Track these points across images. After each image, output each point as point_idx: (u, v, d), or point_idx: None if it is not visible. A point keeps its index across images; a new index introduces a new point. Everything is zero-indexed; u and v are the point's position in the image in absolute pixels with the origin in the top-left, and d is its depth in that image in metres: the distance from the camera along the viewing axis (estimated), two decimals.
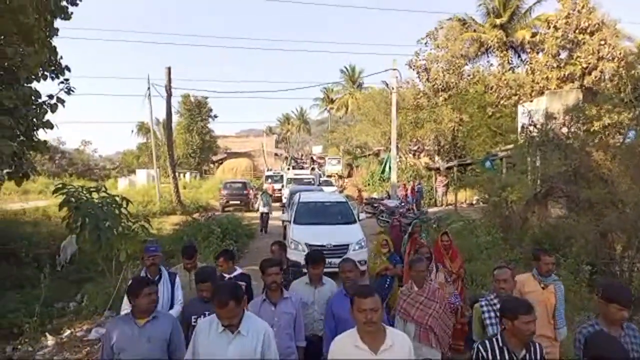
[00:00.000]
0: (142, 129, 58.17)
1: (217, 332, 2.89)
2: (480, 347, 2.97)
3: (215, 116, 47.00)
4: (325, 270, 8.64)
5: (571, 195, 8.08)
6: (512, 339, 2.88)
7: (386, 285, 5.86)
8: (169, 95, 21.00)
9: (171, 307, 4.41)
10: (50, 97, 6.96)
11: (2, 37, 6.42)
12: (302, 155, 59.79)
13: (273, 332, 3.08)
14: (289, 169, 38.98)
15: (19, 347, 7.52)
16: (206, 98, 44.83)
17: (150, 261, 4.52)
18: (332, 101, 64.95)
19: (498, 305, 3.49)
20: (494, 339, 2.97)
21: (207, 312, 3.62)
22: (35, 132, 7.12)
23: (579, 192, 7.62)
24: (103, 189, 7.52)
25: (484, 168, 14.62)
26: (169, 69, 20.82)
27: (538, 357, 2.91)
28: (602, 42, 22.76)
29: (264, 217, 16.47)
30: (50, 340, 6.25)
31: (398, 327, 3.97)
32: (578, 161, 7.97)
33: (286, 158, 49.95)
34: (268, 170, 36.81)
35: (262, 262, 4.03)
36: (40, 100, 6.94)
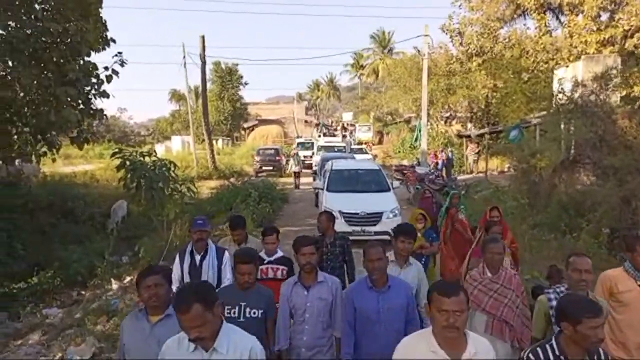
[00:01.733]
0: (175, 96, 59.45)
1: (189, 351, 2.27)
2: (531, 356, 2.46)
3: (246, 83, 47.57)
4: (359, 237, 8.77)
5: (597, 162, 8.29)
6: (572, 347, 2.38)
7: (421, 264, 5.49)
8: (204, 64, 21.59)
9: (218, 286, 3.90)
10: (106, 68, 7.63)
11: (64, 15, 7.04)
12: (332, 122, 59.61)
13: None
14: (319, 136, 38.29)
15: (82, 292, 8.61)
16: (237, 65, 45.29)
17: (198, 236, 4.14)
18: (362, 67, 64.19)
19: None
20: (547, 346, 2.47)
21: (243, 304, 3.25)
22: (93, 101, 7.83)
23: (603, 158, 7.84)
24: (154, 153, 8.27)
25: (509, 140, 14.68)
26: (203, 37, 21.31)
27: None
28: None
29: (297, 175, 19.92)
30: (114, 285, 7.13)
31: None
32: (603, 128, 8.13)
33: (317, 125, 49.46)
34: (298, 137, 37.33)
35: (296, 240, 3.54)
36: (97, 72, 7.61)
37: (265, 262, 4.12)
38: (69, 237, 10.98)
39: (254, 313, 3.26)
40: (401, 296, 3.23)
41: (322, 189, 10.90)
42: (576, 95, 9.00)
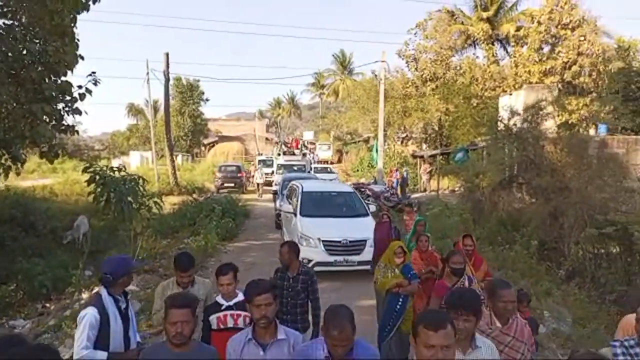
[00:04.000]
0: (133, 110, 58.66)
1: None
2: None
3: (207, 99, 47.67)
4: (341, 268, 8.60)
5: (529, 182, 9.40)
6: None
7: (397, 306, 4.82)
8: (167, 80, 21.89)
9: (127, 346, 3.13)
10: (80, 87, 7.99)
11: (43, 37, 7.43)
12: (292, 140, 60.15)
13: None
14: (279, 154, 36.19)
15: (47, 305, 8.77)
16: (198, 81, 45.41)
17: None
18: (322, 87, 65.72)
19: None
20: None
21: None
22: (65, 117, 8.16)
23: (533, 179, 8.94)
24: (123, 168, 8.65)
25: (454, 161, 15.91)
26: (167, 54, 21.68)
27: None
28: (582, 38, 24.00)
29: (259, 186, 22.92)
30: (84, 294, 7.41)
31: None
32: (533, 153, 9.27)
33: (277, 143, 49.13)
34: (259, 154, 37.77)
35: (248, 287, 2.82)
36: (72, 90, 7.97)
37: (223, 307, 3.35)
38: (30, 251, 11.05)
39: None
40: None
41: (293, 213, 9.86)
42: (511, 122, 10.18)
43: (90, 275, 9.65)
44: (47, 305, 8.85)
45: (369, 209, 10.27)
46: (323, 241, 8.64)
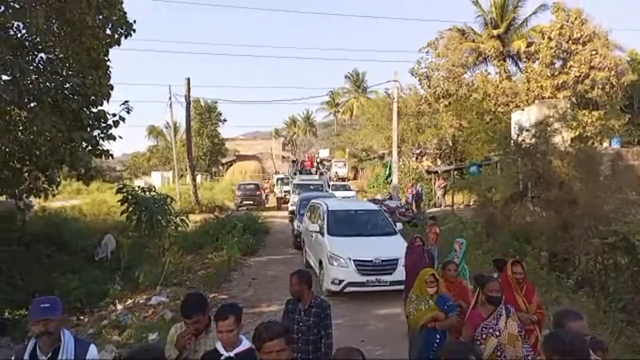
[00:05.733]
0: (153, 132, 60.27)
1: None
2: None
3: (225, 120, 48.84)
4: (373, 289, 8.53)
5: (539, 196, 9.73)
6: None
7: (435, 344, 4.22)
8: (188, 104, 22.80)
9: None
10: (114, 115, 8.72)
11: (80, 70, 8.19)
12: (307, 158, 60.14)
13: None
14: (295, 174, 34.58)
15: (81, 317, 9.34)
16: (215, 102, 46.63)
17: (41, 327, 2.69)
18: (337, 105, 66.67)
19: None
20: None
21: None
22: (101, 143, 8.87)
23: (541, 193, 9.27)
24: (153, 188, 9.30)
25: (469, 174, 16.25)
26: (189, 79, 22.66)
27: None
28: (594, 52, 24.21)
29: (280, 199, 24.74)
30: (119, 306, 7.97)
31: None
32: (541, 167, 9.62)
33: (293, 162, 46.75)
34: (277, 173, 38.46)
35: (257, 331, 2.51)
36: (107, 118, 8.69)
37: (223, 359, 2.79)
38: (64, 267, 11.72)
39: None
40: None
41: (319, 232, 9.72)
42: (520, 138, 10.57)
43: (119, 289, 10.30)
44: (82, 317, 9.45)
45: (396, 226, 10.10)
46: (354, 261, 8.41)
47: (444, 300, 4.36)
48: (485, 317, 3.60)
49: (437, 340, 4.20)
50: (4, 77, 7.81)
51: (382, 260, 8.40)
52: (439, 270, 5.37)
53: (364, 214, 10.69)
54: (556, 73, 25.61)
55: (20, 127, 8.17)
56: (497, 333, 3.42)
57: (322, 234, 9.54)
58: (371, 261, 8.39)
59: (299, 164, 42.87)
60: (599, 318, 6.61)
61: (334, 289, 8.45)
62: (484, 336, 3.46)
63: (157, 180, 37.67)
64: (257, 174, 46.68)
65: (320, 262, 9.18)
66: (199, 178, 41.67)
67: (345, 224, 9.88)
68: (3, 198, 11.24)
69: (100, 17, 8.57)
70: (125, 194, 8.68)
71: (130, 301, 8.37)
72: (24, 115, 8.00)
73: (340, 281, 8.38)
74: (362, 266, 8.42)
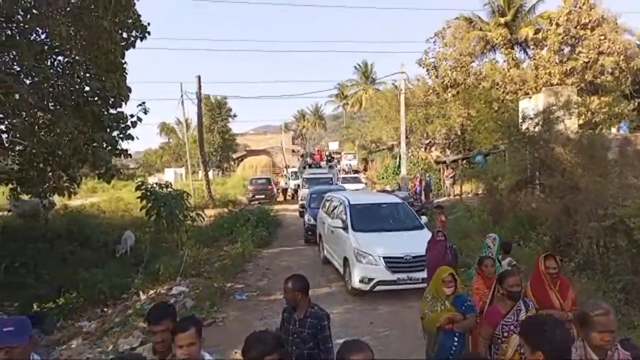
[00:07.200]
0: (165, 129, 61.00)
1: None
2: None
3: (235, 115, 49.34)
4: (404, 287, 7.97)
5: (543, 183, 9.99)
6: None
7: (453, 347, 3.97)
8: (199, 101, 23.26)
9: None
10: (132, 116, 9.17)
11: (98, 73, 8.63)
12: (316, 151, 60.05)
13: None
14: (304, 167, 33.52)
15: (105, 309, 9.85)
16: (225, 98, 47.12)
17: (2, 356, 2.28)
18: (345, 97, 66.76)
19: None
20: None
21: None
22: (120, 143, 9.33)
23: (544, 180, 9.52)
24: (170, 184, 9.76)
25: (475, 163, 16.48)
26: (199, 77, 23.10)
27: None
28: (602, 37, 24.08)
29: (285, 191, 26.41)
30: (143, 296, 8.46)
31: None
32: (544, 154, 9.86)
33: (302, 156, 46.88)
34: (286, 167, 38.85)
35: (247, 343, 2.25)
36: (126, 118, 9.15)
37: None
38: (87, 262, 12.29)
39: None
40: None
41: (342, 228, 9.26)
42: (524, 126, 10.79)
43: (141, 281, 10.82)
44: (105, 309, 9.98)
45: (421, 220, 9.64)
46: (384, 258, 7.98)
47: (462, 299, 4.06)
48: (504, 314, 3.50)
49: (455, 343, 3.94)
50: (28, 82, 8.31)
51: (413, 257, 7.86)
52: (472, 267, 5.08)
53: (387, 207, 10.21)
54: (564, 59, 25.53)
55: (44, 129, 8.64)
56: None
57: (346, 230, 9.08)
58: (402, 258, 7.95)
59: (307, 157, 42.75)
60: (598, 298, 6.91)
61: (363, 288, 8.03)
62: (505, 334, 3.32)
63: (170, 176, 38.24)
64: (267, 168, 47.14)
65: (345, 260, 8.75)
66: (211, 174, 42.36)
67: (370, 218, 9.44)
68: (26, 197, 11.77)
69: (116, 20, 8.98)
70: (144, 191, 9.13)
71: (152, 292, 8.85)
72: (47, 118, 8.47)
73: (370, 280, 7.95)
74: (393, 263, 7.98)
